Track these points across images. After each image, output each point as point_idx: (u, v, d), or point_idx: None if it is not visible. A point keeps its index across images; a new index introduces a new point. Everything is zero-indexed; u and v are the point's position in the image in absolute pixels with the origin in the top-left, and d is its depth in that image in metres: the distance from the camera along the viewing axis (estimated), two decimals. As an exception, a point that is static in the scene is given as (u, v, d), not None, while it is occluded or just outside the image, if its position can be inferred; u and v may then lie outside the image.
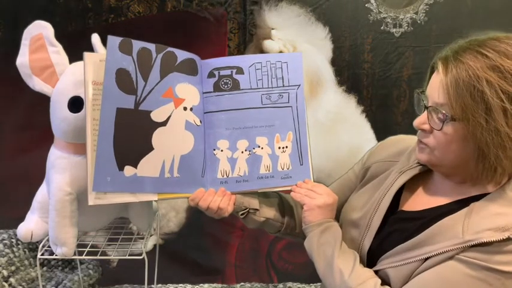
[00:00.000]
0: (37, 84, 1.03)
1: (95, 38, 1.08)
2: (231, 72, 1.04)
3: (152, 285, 1.48)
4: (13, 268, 1.39)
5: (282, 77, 1.05)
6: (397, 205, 0.98)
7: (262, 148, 1.04)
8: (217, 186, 1.02)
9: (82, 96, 1.00)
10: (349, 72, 1.89)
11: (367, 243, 0.96)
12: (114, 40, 0.94)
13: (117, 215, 1.20)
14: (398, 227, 0.94)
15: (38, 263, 1.10)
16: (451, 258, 0.83)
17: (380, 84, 1.89)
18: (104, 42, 1.07)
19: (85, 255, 1.10)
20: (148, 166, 0.96)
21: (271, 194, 1.11)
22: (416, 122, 0.89)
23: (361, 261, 0.94)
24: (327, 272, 0.93)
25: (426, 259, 0.85)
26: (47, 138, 1.09)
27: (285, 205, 1.12)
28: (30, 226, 1.11)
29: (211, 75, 1.04)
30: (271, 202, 1.09)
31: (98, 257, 1.10)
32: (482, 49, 0.80)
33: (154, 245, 1.64)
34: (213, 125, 1.03)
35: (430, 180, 0.97)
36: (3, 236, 1.44)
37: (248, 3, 1.84)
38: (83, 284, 1.47)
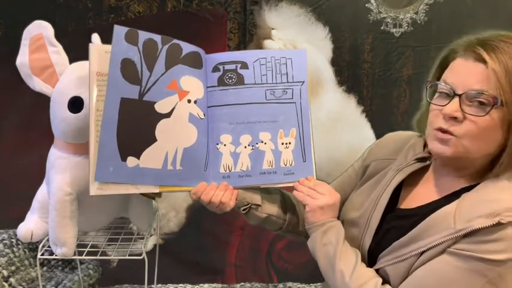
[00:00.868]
0: (37, 84, 1.03)
1: (95, 38, 1.08)
2: (236, 66, 1.04)
3: (152, 285, 1.48)
4: (13, 268, 1.40)
5: (287, 73, 1.05)
6: (396, 203, 0.99)
7: (265, 143, 1.04)
8: (219, 180, 1.01)
9: (82, 96, 1.00)
10: (349, 72, 1.89)
11: (367, 242, 0.96)
12: (120, 30, 0.94)
13: (117, 215, 1.20)
14: (395, 224, 0.95)
15: (38, 263, 1.10)
16: (443, 252, 0.83)
17: (380, 84, 1.89)
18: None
19: (85, 255, 1.10)
20: (151, 157, 0.96)
21: (273, 191, 1.11)
22: (448, 109, 0.85)
23: (363, 260, 0.94)
24: (329, 273, 0.94)
25: (421, 253, 0.85)
26: (47, 138, 1.09)
27: (287, 202, 1.12)
28: (30, 226, 1.11)
29: (215, 69, 1.04)
30: (274, 199, 1.09)
31: (98, 257, 1.10)
32: (509, 40, 0.84)
33: (154, 245, 1.64)
34: (216, 119, 1.03)
35: (426, 177, 0.98)
36: (3, 236, 1.44)
37: (248, 3, 1.84)
38: (83, 284, 1.47)
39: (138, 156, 0.95)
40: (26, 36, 1.02)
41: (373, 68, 1.88)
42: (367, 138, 1.87)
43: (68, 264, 1.56)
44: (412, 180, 0.99)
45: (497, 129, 0.84)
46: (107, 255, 1.16)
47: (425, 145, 1.00)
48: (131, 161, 0.94)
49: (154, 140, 0.96)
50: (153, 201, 1.19)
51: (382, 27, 1.85)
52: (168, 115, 0.97)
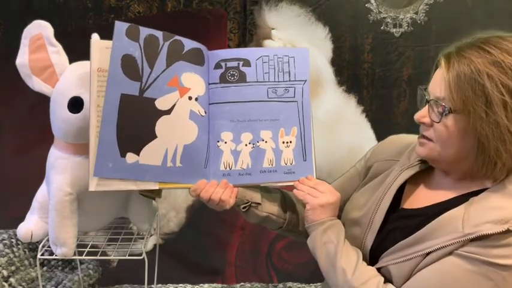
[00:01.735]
0: (37, 84, 1.02)
1: (95, 38, 1.07)
2: (238, 64, 1.04)
3: (152, 285, 1.48)
4: (13, 268, 1.40)
5: (289, 71, 1.05)
6: (399, 203, 0.99)
7: (266, 142, 1.03)
8: (219, 178, 1.01)
9: (82, 96, 1.00)
10: (349, 72, 1.89)
11: (369, 242, 0.96)
12: (121, 26, 0.94)
13: (117, 215, 1.20)
14: (399, 224, 0.95)
15: (38, 263, 1.10)
16: (450, 253, 0.83)
17: (380, 84, 1.89)
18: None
19: (85, 255, 1.10)
20: (150, 154, 0.96)
21: (273, 190, 1.10)
22: (417, 116, 0.91)
23: (364, 259, 0.94)
24: (330, 271, 0.93)
25: (427, 254, 0.85)
26: (47, 138, 1.09)
27: (287, 201, 1.11)
28: (30, 226, 1.11)
29: (218, 66, 1.03)
30: (273, 197, 1.09)
31: (98, 257, 1.10)
32: (485, 45, 0.83)
33: (154, 245, 1.64)
34: (217, 117, 1.02)
35: (430, 178, 0.98)
36: (3, 236, 1.45)
37: (248, 3, 1.84)
38: (83, 284, 1.47)
39: (137, 153, 0.95)
40: (26, 36, 1.02)
41: (373, 68, 1.88)
42: (367, 138, 1.87)
43: (68, 264, 1.56)
44: (414, 181, 0.99)
45: (458, 135, 0.86)
46: (107, 255, 1.16)
47: None
48: (130, 157, 0.94)
49: (154, 136, 0.96)
50: (153, 201, 1.19)
51: (382, 27, 1.85)
52: (168, 112, 0.97)
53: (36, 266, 1.46)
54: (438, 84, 0.86)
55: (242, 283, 1.94)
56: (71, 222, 1.03)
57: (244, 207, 1.04)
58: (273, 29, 1.83)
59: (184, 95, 0.99)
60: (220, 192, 0.99)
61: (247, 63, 1.04)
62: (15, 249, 1.44)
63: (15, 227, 1.14)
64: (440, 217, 0.87)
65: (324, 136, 1.82)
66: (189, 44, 1.01)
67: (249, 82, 1.04)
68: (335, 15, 1.84)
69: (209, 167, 1.02)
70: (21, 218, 1.14)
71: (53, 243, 1.04)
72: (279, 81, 1.04)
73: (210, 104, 1.03)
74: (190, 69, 1.00)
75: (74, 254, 1.08)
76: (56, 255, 1.04)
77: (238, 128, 1.03)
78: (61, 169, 1.02)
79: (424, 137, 0.91)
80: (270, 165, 1.03)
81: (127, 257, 1.10)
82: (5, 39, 1.81)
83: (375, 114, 1.90)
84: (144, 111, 0.95)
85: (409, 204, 0.98)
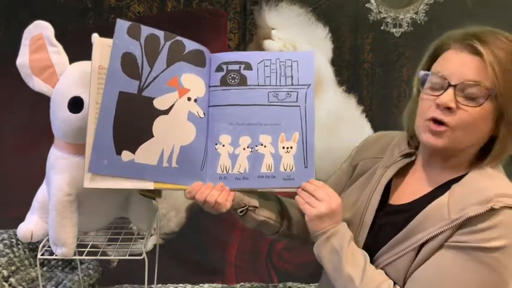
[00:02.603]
0: (37, 84, 1.02)
1: (95, 38, 1.08)
2: (239, 67, 1.03)
3: (152, 285, 1.48)
4: (13, 268, 1.39)
5: (292, 75, 1.03)
6: (387, 199, 1.00)
7: (265, 146, 1.01)
8: (216, 181, 1.00)
9: (82, 96, 1.00)
10: (349, 72, 1.89)
11: (361, 240, 0.97)
12: (123, 24, 0.94)
13: (117, 215, 1.20)
14: (389, 220, 0.96)
15: (38, 263, 1.10)
16: (441, 247, 0.84)
17: (380, 84, 1.89)
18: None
19: (85, 255, 1.10)
20: (146, 153, 0.95)
21: (269, 195, 1.10)
22: (444, 99, 0.86)
23: None
24: (338, 280, 0.92)
25: (420, 247, 0.86)
26: (47, 138, 1.09)
27: (283, 206, 1.11)
28: (30, 226, 1.11)
29: (219, 69, 1.03)
30: (270, 202, 1.08)
31: (98, 257, 1.10)
32: (500, 36, 0.87)
33: (155, 245, 1.64)
34: (216, 119, 1.02)
35: (413, 170, 1.00)
36: (3, 236, 1.44)
37: (248, 3, 1.84)
38: (83, 284, 1.47)
39: (133, 151, 0.94)
40: (26, 36, 1.02)
41: (373, 68, 1.88)
42: (367, 138, 1.87)
43: (68, 264, 1.56)
44: (399, 176, 1.00)
45: (488, 120, 0.86)
46: (107, 255, 1.16)
47: (409, 142, 1.02)
48: (126, 155, 0.94)
49: (151, 135, 0.95)
50: (153, 201, 1.19)
51: (382, 27, 1.85)
52: (166, 112, 0.97)
53: (36, 266, 1.46)
54: (471, 67, 0.85)
55: (242, 283, 1.93)
56: (71, 222, 1.03)
57: (241, 211, 1.03)
58: (273, 29, 1.84)
59: (183, 96, 0.98)
60: (216, 194, 0.97)
61: (248, 66, 1.03)
62: (15, 249, 1.44)
63: (15, 227, 1.14)
64: (426, 208, 0.88)
65: (324, 136, 1.83)
66: (190, 45, 1.01)
67: (249, 85, 1.03)
68: (335, 15, 1.84)
69: (206, 169, 1.01)
70: (21, 218, 1.14)
71: (53, 243, 1.04)
72: (280, 85, 1.03)
73: (210, 106, 1.02)
74: (190, 70, 1.00)
75: (74, 254, 1.08)
76: (56, 255, 1.04)
77: (237, 131, 1.02)
78: (61, 169, 1.02)
79: (440, 124, 0.87)
80: (268, 171, 1.01)
81: (127, 257, 1.10)
82: (5, 39, 1.81)
83: (374, 114, 1.90)
84: (142, 109, 0.95)
85: (396, 199, 0.99)
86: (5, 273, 1.36)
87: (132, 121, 0.94)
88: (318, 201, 0.96)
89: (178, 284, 1.86)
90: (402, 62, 1.87)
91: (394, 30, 1.85)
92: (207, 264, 1.97)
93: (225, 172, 1.01)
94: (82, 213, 1.05)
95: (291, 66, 1.04)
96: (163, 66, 0.97)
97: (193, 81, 1.01)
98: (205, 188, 0.98)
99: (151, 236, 1.22)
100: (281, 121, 1.02)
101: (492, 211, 0.80)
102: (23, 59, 1.02)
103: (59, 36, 1.04)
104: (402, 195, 0.98)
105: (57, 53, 1.03)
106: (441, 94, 0.87)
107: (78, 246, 1.10)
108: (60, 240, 1.02)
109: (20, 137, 1.87)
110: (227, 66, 1.03)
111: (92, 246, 1.12)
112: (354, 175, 1.09)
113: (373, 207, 0.97)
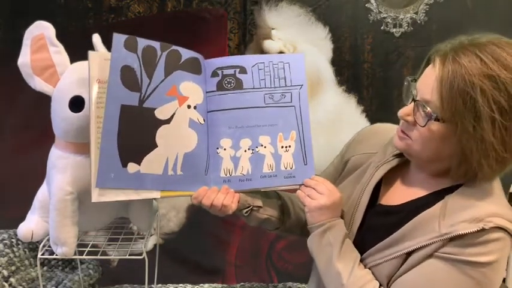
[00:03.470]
0: (38, 84, 1.03)
1: (96, 38, 1.08)
2: (234, 71, 1.04)
3: (152, 285, 1.49)
4: (13, 268, 1.40)
5: (285, 77, 1.05)
6: (377, 198, 1.00)
7: (265, 147, 1.04)
8: (220, 184, 1.02)
9: (83, 95, 1.00)
10: (349, 72, 1.89)
11: (350, 239, 0.97)
12: (119, 38, 0.95)
13: (117, 214, 1.20)
14: (377, 221, 0.96)
15: (38, 262, 1.10)
16: (430, 256, 0.84)
17: (380, 84, 1.89)
18: (104, 42, 1.08)
19: (85, 255, 1.10)
20: (151, 163, 0.96)
21: (269, 193, 1.11)
22: (401, 112, 0.90)
23: None
24: (327, 274, 0.94)
25: (407, 255, 0.87)
26: (47, 138, 1.09)
27: (283, 202, 1.12)
28: (30, 226, 1.11)
29: (214, 74, 1.04)
30: (272, 200, 1.10)
31: (98, 257, 1.10)
32: (481, 54, 0.80)
33: (155, 245, 1.64)
34: (216, 124, 1.03)
35: (406, 173, 0.99)
36: (3, 236, 1.45)
37: (248, 3, 1.84)
38: (83, 284, 1.47)
39: (138, 162, 0.95)
40: (28, 36, 1.02)
41: (373, 68, 1.88)
42: (367, 138, 1.87)
43: (68, 264, 1.56)
44: (391, 175, 1.00)
45: (439, 141, 0.85)
46: (107, 255, 1.16)
47: None
48: (132, 167, 0.95)
49: (155, 145, 0.97)
50: (153, 201, 1.19)
51: (382, 27, 1.85)
52: (168, 121, 0.98)
53: (36, 265, 1.46)
54: (429, 85, 0.84)
55: (242, 283, 1.94)
56: (72, 221, 1.03)
57: (246, 212, 1.04)
58: (273, 29, 1.84)
59: (183, 104, 1.00)
60: (222, 198, 0.99)
61: (243, 70, 1.05)
62: (15, 249, 1.44)
63: (15, 227, 1.14)
64: (417, 217, 0.88)
65: (324, 136, 1.83)
66: (186, 53, 1.02)
67: (245, 89, 1.04)
68: (335, 15, 1.84)
69: (209, 173, 1.02)
70: (21, 218, 1.14)
71: (54, 242, 1.04)
72: (275, 87, 1.05)
73: (208, 111, 1.03)
74: (188, 78, 1.01)
75: (75, 254, 1.08)
76: (56, 255, 1.05)
77: (237, 134, 1.03)
78: (62, 168, 1.03)
79: (403, 132, 0.91)
80: (270, 170, 1.04)
81: (127, 257, 1.10)
82: (5, 39, 1.81)
83: (374, 114, 1.90)
84: (144, 121, 0.96)
85: (386, 200, 0.99)
86: (5, 273, 1.36)
87: (136, 133, 0.95)
88: (319, 194, 0.97)
89: (178, 284, 1.86)
90: (402, 62, 1.87)
91: (394, 30, 1.85)
92: (207, 264, 1.97)
93: (228, 175, 1.03)
94: (82, 212, 1.05)
95: (283, 68, 1.06)
96: (162, 77, 0.98)
97: (192, 89, 1.02)
98: (211, 192, 0.99)
99: (151, 236, 1.23)
100: (278, 121, 1.04)
101: (483, 230, 0.80)
102: (25, 59, 1.02)
103: (59, 36, 1.04)
104: (393, 196, 0.99)
105: (58, 53, 1.03)
106: (406, 106, 0.89)
107: (79, 246, 1.10)
108: (60, 240, 1.02)
109: (20, 137, 1.87)
110: (222, 71, 1.04)
111: (92, 246, 1.13)
112: (345, 171, 1.10)
113: (362, 208, 0.98)
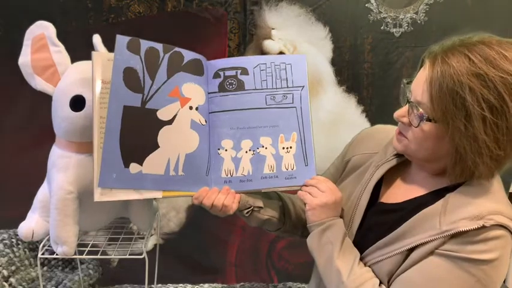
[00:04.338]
0: (39, 83, 1.03)
1: (96, 38, 1.08)
2: (236, 72, 1.05)
3: (152, 285, 1.49)
4: (13, 268, 1.40)
5: (286, 78, 1.06)
6: (377, 197, 1.00)
7: (266, 148, 1.04)
8: (221, 185, 1.02)
9: (83, 95, 1.00)
10: (349, 72, 1.89)
11: (350, 238, 0.98)
12: (122, 39, 0.95)
13: (117, 214, 1.20)
14: (378, 219, 0.96)
15: (38, 262, 1.10)
16: (431, 253, 0.84)
17: (380, 84, 1.89)
18: (104, 42, 1.08)
19: (85, 255, 1.10)
20: (153, 164, 0.97)
21: (270, 194, 1.11)
22: (396, 114, 0.91)
23: None
24: (326, 272, 0.94)
25: (408, 252, 0.87)
26: (47, 138, 1.09)
27: (284, 203, 1.12)
28: (31, 225, 1.11)
29: (216, 75, 1.05)
30: (272, 201, 1.10)
31: (99, 257, 1.10)
32: (470, 53, 0.81)
33: (155, 245, 1.64)
34: (217, 125, 1.03)
35: (407, 172, 1.00)
36: (4, 236, 1.45)
37: (248, 3, 1.84)
38: (83, 284, 1.47)
39: (140, 163, 0.96)
40: (28, 36, 1.03)
41: (373, 68, 1.88)
42: (367, 138, 1.87)
43: (68, 264, 1.56)
44: (392, 174, 1.00)
45: (434, 141, 0.86)
46: (107, 254, 1.16)
47: None
48: (134, 167, 0.95)
49: (157, 146, 0.97)
50: (154, 201, 1.19)
51: (382, 27, 1.85)
52: (170, 122, 0.98)
53: (36, 265, 1.46)
54: (420, 86, 0.85)
55: (242, 283, 1.94)
56: (72, 220, 1.03)
57: (247, 212, 1.05)
58: (273, 29, 1.83)
59: (185, 105, 1.00)
60: (222, 198, 0.99)
61: (245, 71, 1.05)
62: (15, 249, 1.44)
63: (16, 227, 1.15)
64: (417, 214, 0.88)
65: (324, 136, 1.83)
66: (188, 55, 1.02)
67: (247, 90, 1.05)
68: (335, 15, 1.84)
69: (211, 174, 1.03)
70: (21, 218, 1.14)
71: (54, 241, 1.04)
72: (277, 88, 1.05)
73: (210, 112, 1.04)
74: (190, 79, 1.02)
75: (75, 254, 1.08)
76: (56, 254, 1.05)
77: (238, 135, 1.04)
78: (62, 167, 1.03)
79: (401, 133, 0.92)
80: (271, 171, 1.04)
81: (127, 256, 1.10)
82: (5, 39, 1.81)
83: (374, 114, 1.90)
84: (147, 122, 0.97)
85: (386, 198, 0.99)
86: (5, 273, 1.36)
87: (138, 134, 0.96)
88: (321, 192, 0.98)
89: (178, 284, 1.86)
90: (402, 62, 1.87)
91: (394, 30, 1.85)
92: (207, 264, 1.98)
93: (229, 176, 1.03)
94: (83, 211, 1.06)
95: (285, 69, 1.06)
96: (164, 78, 0.99)
97: (194, 90, 1.02)
98: (212, 192, 1.00)
99: (151, 236, 1.23)
100: (279, 122, 1.05)
101: (483, 228, 0.80)
102: (25, 59, 1.02)
103: (59, 36, 1.04)
104: (394, 194, 0.99)
105: (59, 53, 1.03)
106: (402, 107, 0.91)
107: (79, 246, 1.10)
108: (61, 239, 1.02)
109: (20, 137, 1.87)
110: (224, 73, 1.05)
111: (92, 246, 1.13)
112: (345, 171, 1.10)
113: (362, 207, 0.98)
